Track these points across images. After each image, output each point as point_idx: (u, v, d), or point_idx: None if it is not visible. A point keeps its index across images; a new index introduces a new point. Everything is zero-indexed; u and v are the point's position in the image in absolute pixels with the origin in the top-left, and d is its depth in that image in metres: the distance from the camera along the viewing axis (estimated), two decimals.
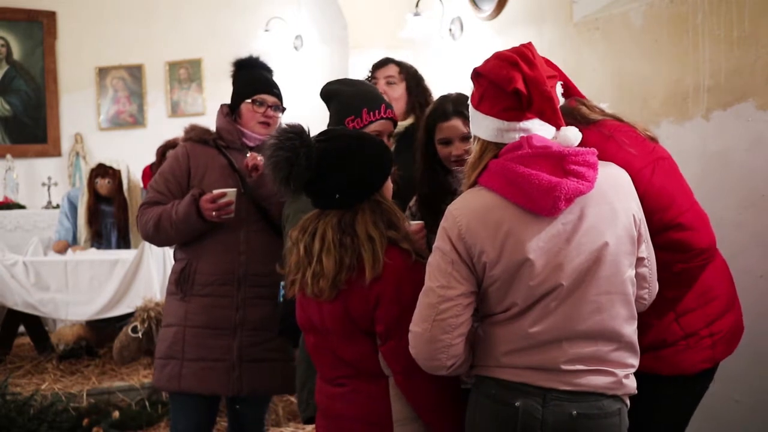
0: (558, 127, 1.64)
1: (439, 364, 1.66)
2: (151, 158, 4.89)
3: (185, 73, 6.64)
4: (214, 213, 2.48)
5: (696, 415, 2.07)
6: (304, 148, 1.82)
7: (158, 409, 3.89)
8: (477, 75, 1.70)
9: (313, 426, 2.06)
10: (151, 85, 6.65)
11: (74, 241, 4.88)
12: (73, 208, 4.93)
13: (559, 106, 1.69)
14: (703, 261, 1.83)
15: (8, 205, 6.11)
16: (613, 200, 1.63)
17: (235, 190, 2.51)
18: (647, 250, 1.71)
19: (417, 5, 4.45)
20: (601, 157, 1.76)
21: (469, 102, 1.75)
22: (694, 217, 1.81)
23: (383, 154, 1.92)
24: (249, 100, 2.65)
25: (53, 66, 6.51)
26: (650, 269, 1.73)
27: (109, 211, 4.86)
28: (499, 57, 1.68)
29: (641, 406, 1.70)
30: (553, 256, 1.59)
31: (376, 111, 2.32)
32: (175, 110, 6.67)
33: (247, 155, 2.61)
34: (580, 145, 1.80)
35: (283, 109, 2.73)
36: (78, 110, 6.57)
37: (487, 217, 1.63)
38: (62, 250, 4.73)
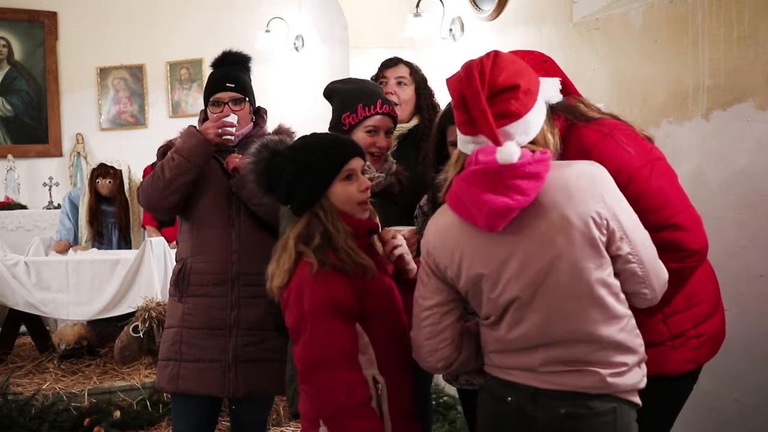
0: (498, 143, 1.60)
1: (429, 366, 1.78)
2: (152, 158, 4.85)
3: (186, 74, 6.65)
4: (218, 130, 2.52)
5: (696, 415, 2.08)
6: (254, 165, 1.93)
7: (159, 409, 3.89)
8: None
9: None
10: (152, 85, 6.66)
11: (75, 241, 4.89)
12: (74, 208, 4.94)
13: (530, 110, 1.66)
14: (695, 262, 1.84)
15: (9, 205, 6.12)
16: (563, 207, 1.59)
17: (236, 116, 2.56)
18: (630, 246, 1.63)
19: (417, 5, 4.45)
20: (598, 155, 1.77)
21: None
22: (688, 218, 1.82)
23: (318, 163, 1.88)
24: (209, 104, 2.65)
25: (54, 66, 6.51)
26: (640, 264, 1.65)
27: (110, 211, 4.87)
28: (459, 70, 1.70)
29: None
30: (505, 269, 1.62)
31: (371, 106, 2.33)
32: (176, 110, 6.68)
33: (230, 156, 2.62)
34: (578, 142, 1.80)
35: (245, 98, 2.65)
36: (79, 110, 6.58)
37: (446, 236, 1.72)
38: (63, 250, 4.74)
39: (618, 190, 1.66)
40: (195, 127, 2.60)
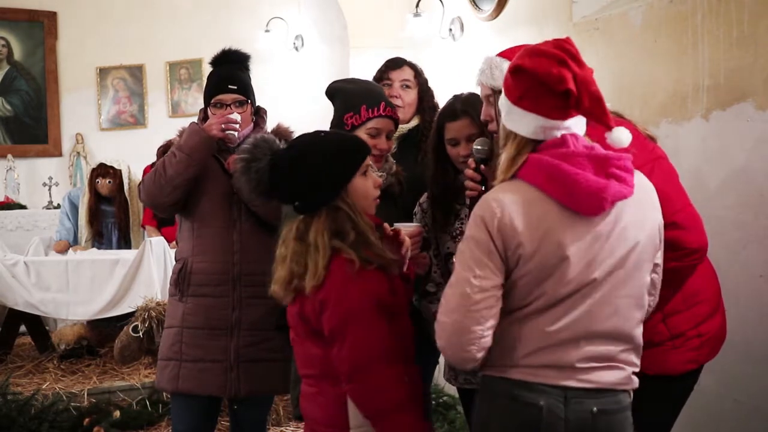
0: (609, 128, 1.61)
1: (469, 356, 1.62)
2: (152, 158, 4.85)
3: (186, 74, 6.65)
4: (222, 126, 2.51)
5: (696, 415, 2.08)
6: (255, 161, 1.87)
7: (159, 409, 3.89)
8: (518, 70, 1.64)
9: None
10: (152, 85, 6.65)
11: (75, 241, 4.89)
12: (74, 208, 4.94)
13: None
14: (694, 261, 1.85)
15: (9, 205, 6.11)
16: (644, 207, 1.66)
17: (239, 115, 2.55)
18: (661, 258, 1.74)
19: (417, 5, 4.45)
20: None
21: (503, 96, 1.69)
22: (687, 217, 1.83)
23: (339, 157, 1.86)
24: (210, 105, 2.64)
25: (54, 66, 6.50)
26: (659, 276, 1.75)
27: (109, 211, 4.87)
28: (544, 53, 1.61)
29: None
30: (588, 255, 1.59)
31: (375, 108, 2.33)
32: (175, 110, 6.67)
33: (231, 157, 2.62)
34: None
35: (247, 101, 2.64)
36: (79, 110, 6.57)
37: (528, 211, 1.60)
38: (63, 250, 4.74)
39: None
40: (197, 123, 2.60)
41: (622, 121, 1.93)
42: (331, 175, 1.84)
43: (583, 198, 1.57)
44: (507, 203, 1.61)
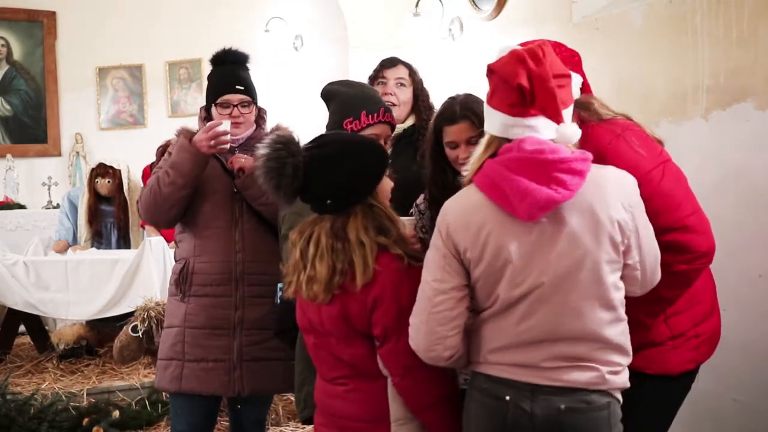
0: (558, 124, 1.63)
1: (436, 355, 1.71)
2: (152, 158, 4.88)
3: (185, 73, 6.65)
4: (212, 142, 2.47)
5: (696, 415, 2.08)
6: (291, 157, 1.82)
7: (158, 409, 3.89)
8: (490, 71, 1.70)
9: (312, 426, 2.07)
10: (152, 85, 6.65)
11: (74, 241, 4.89)
12: (74, 207, 4.94)
13: (573, 101, 1.71)
14: (703, 264, 1.85)
15: (9, 204, 6.12)
16: (597, 208, 1.63)
17: (229, 122, 2.52)
18: (640, 256, 1.69)
19: (417, 5, 4.45)
20: (611, 156, 1.79)
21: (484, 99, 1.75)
22: (698, 221, 1.83)
23: (374, 156, 1.89)
24: (215, 104, 2.63)
25: (53, 66, 6.50)
26: (643, 271, 1.71)
27: (109, 210, 4.87)
28: (512, 54, 1.67)
29: (625, 405, 1.71)
30: (533, 260, 1.62)
31: (375, 114, 2.32)
32: (175, 110, 6.67)
33: (234, 157, 2.61)
34: (590, 141, 1.79)
35: (253, 102, 2.65)
36: (78, 110, 6.57)
37: (471, 217, 1.67)
38: (62, 250, 4.74)
39: (642, 202, 1.70)
40: (188, 131, 2.56)
41: (630, 123, 1.93)
42: (368, 174, 1.86)
43: (516, 203, 1.60)
44: (454, 210, 1.71)
